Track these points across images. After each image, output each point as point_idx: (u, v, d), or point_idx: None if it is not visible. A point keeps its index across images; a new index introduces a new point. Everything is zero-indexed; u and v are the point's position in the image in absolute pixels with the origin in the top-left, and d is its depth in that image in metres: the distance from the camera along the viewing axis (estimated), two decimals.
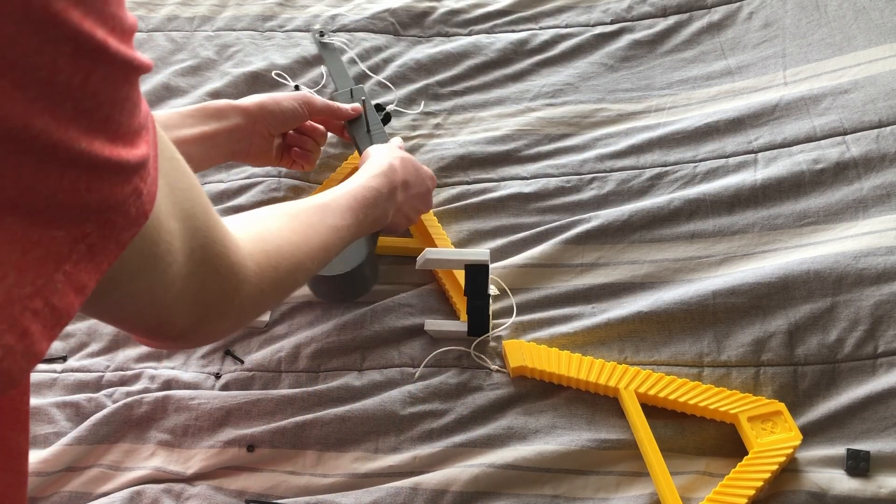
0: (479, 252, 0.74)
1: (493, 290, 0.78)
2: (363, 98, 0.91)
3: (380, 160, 0.74)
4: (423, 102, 1.01)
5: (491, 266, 0.82)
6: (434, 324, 0.78)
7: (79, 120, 0.27)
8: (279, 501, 0.68)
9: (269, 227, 0.53)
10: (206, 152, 0.76)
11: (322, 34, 1.02)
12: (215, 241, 0.42)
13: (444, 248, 0.83)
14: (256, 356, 0.78)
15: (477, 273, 0.73)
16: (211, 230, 0.42)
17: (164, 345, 0.48)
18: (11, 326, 0.27)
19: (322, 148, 0.96)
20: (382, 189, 0.70)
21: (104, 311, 0.39)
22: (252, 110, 0.79)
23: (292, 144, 0.88)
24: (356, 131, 0.90)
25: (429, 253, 0.74)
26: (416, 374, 0.75)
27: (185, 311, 0.42)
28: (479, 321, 0.76)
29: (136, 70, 0.30)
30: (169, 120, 0.74)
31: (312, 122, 0.88)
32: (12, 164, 0.25)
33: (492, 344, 0.77)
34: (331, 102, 0.88)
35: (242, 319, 0.51)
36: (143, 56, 0.30)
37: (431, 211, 0.88)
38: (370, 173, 0.71)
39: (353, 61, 1.06)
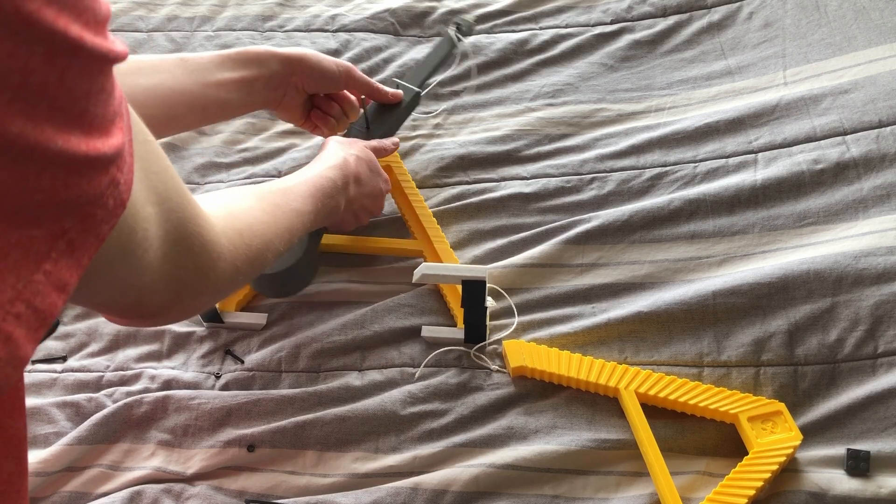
0: (477, 269, 0.74)
1: (490, 302, 0.77)
2: (403, 99, 0.89)
3: (335, 152, 0.74)
4: (443, 107, 1.01)
5: (491, 266, 0.82)
6: (431, 330, 0.78)
7: (54, 118, 0.27)
8: (279, 501, 0.68)
9: (240, 206, 0.54)
10: (243, 98, 0.76)
11: (460, 28, 0.97)
12: (189, 220, 0.42)
13: (441, 258, 0.82)
14: (256, 356, 0.78)
15: (474, 288, 0.72)
16: (185, 210, 0.42)
17: (138, 323, 0.49)
18: None
19: None
20: (337, 180, 0.70)
21: (80, 298, 0.39)
22: (292, 59, 0.79)
23: (317, 106, 0.86)
24: (355, 122, 0.89)
25: (425, 268, 0.74)
26: (417, 374, 0.75)
27: (160, 290, 0.42)
28: (477, 331, 0.76)
29: (112, 61, 0.29)
30: (210, 62, 0.74)
31: (345, 92, 0.87)
32: None
33: (492, 344, 0.77)
34: (372, 81, 0.87)
35: (217, 295, 0.52)
36: (118, 44, 0.30)
37: (431, 213, 0.87)
38: (326, 164, 0.71)
39: (363, 54, 1.06)
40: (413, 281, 0.75)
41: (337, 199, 0.71)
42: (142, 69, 0.71)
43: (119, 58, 0.30)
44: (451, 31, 0.98)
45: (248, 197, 0.57)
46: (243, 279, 0.53)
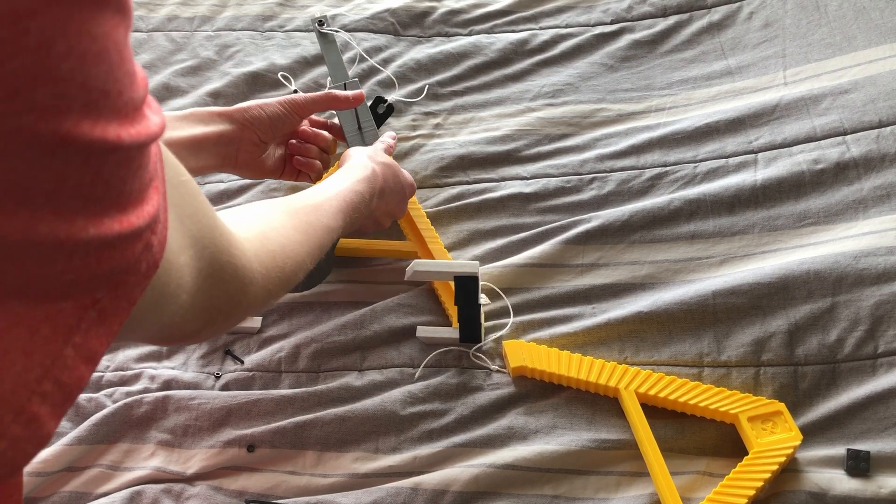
0: (469, 264, 0.73)
1: (484, 299, 0.77)
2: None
3: (364, 164, 0.73)
4: (425, 87, 1.01)
5: (491, 266, 0.82)
6: (426, 330, 0.77)
7: (87, 209, 0.26)
8: (279, 501, 0.68)
9: (273, 226, 0.53)
10: (193, 158, 0.75)
11: (321, 23, 0.99)
12: (221, 252, 0.42)
13: (434, 259, 0.82)
14: (256, 356, 0.78)
15: (466, 284, 0.72)
16: (217, 243, 0.41)
17: (168, 346, 0.48)
18: (17, 416, 0.25)
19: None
20: (366, 194, 0.69)
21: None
22: (235, 116, 0.77)
23: (294, 153, 0.84)
24: (346, 126, 0.89)
25: (417, 265, 0.73)
26: (417, 374, 0.75)
27: (192, 320, 0.41)
28: (471, 329, 0.76)
29: (150, 143, 0.28)
30: None
31: (315, 129, 0.86)
32: (15, 262, 0.24)
33: (492, 344, 0.77)
34: (324, 92, 0.84)
35: (248, 315, 0.51)
36: (155, 118, 0.28)
37: (425, 213, 0.87)
38: (355, 177, 0.70)
39: (361, 58, 1.06)
40: (405, 278, 0.75)
41: (363, 213, 0.70)
42: None
43: (157, 135, 0.28)
44: (315, 26, 0.99)
45: (280, 215, 0.55)
46: (274, 300, 0.53)
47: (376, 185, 0.72)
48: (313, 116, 0.88)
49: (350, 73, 1.04)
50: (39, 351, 0.26)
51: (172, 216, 0.34)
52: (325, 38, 0.98)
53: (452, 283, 0.78)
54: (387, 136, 0.87)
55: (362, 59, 1.07)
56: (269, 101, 0.81)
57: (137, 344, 0.44)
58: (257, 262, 0.47)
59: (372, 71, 1.06)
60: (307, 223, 0.57)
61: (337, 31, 1.00)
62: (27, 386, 0.26)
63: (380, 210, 0.76)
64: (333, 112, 0.99)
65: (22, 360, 0.25)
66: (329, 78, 0.96)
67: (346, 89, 0.92)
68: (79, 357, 0.28)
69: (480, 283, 0.74)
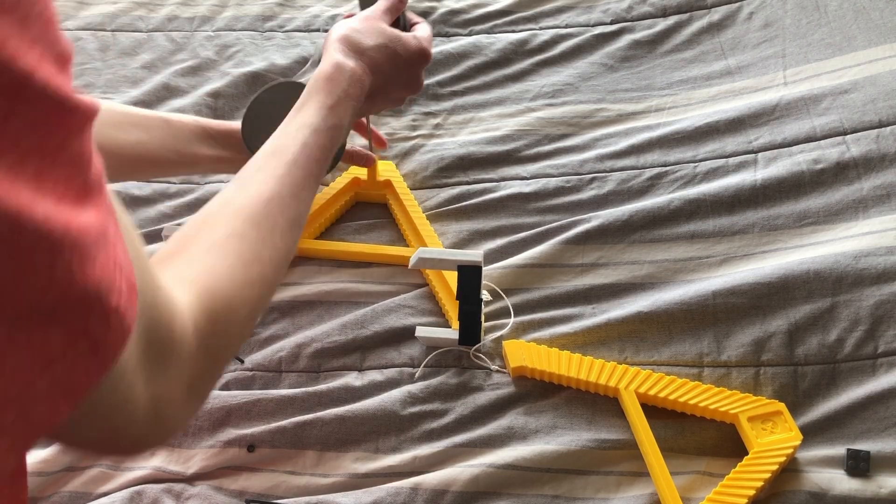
0: (473, 253, 0.73)
1: (485, 295, 0.77)
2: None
3: (326, 73, 0.61)
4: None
5: (491, 267, 0.82)
6: (425, 331, 0.77)
7: (21, 170, 0.23)
8: (279, 501, 0.68)
9: (219, 273, 0.43)
10: (212, 170, 0.77)
11: None
12: (162, 325, 0.35)
13: (437, 248, 0.83)
14: (256, 356, 0.78)
15: (469, 275, 0.72)
16: (157, 305, 0.35)
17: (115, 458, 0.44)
18: None
19: None
20: (338, 122, 0.59)
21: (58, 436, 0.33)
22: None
23: None
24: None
25: (422, 252, 0.74)
26: (417, 375, 0.75)
27: (140, 421, 0.35)
28: (471, 329, 0.75)
29: (80, 113, 0.25)
30: (191, 132, 0.74)
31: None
32: None
33: (492, 344, 0.77)
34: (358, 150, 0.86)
35: (195, 404, 0.41)
36: (85, 97, 0.26)
37: (425, 216, 0.87)
38: (316, 105, 0.59)
39: None
40: (409, 266, 0.75)
41: (342, 134, 0.60)
42: (122, 124, 0.70)
43: (89, 110, 0.26)
44: None
45: (232, 241, 0.46)
46: (219, 366, 0.44)
47: (352, 91, 0.62)
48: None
49: None
50: (6, 377, 0.24)
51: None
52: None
53: (453, 284, 0.78)
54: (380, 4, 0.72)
55: None
56: None
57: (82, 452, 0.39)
58: (194, 327, 0.39)
59: None
60: (268, 231, 0.49)
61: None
62: None
63: (380, 95, 0.68)
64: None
65: None
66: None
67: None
68: (56, 390, 0.26)
69: (482, 281, 0.74)
